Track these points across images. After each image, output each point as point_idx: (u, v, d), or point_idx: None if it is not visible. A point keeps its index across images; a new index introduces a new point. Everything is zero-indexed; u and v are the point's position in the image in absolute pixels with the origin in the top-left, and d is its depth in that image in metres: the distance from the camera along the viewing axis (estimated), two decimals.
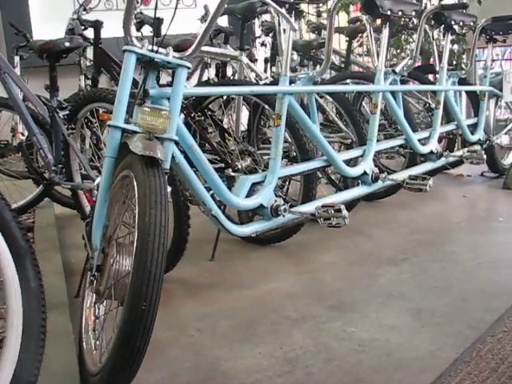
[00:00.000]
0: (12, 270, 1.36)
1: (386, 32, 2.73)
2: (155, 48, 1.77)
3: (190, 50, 1.83)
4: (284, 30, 2.24)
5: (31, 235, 2.88)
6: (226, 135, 2.85)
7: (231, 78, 3.98)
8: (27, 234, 1.40)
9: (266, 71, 4.18)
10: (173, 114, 1.78)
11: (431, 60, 3.63)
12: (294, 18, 2.28)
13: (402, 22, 4.13)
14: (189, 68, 1.81)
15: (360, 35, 3.81)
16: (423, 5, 3.94)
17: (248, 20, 2.92)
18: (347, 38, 3.73)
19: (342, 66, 3.79)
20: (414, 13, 2.77)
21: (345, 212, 2.19)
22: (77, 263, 2.61)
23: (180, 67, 1.79)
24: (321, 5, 4.19)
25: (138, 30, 3.22)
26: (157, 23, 3.36)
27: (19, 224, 1.39)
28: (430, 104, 3.77)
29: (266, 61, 4.29)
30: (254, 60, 4.92)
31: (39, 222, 3.10)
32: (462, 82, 3.57)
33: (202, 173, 2.01)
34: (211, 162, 2.84)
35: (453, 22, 3.17)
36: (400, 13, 2.71)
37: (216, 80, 3.72)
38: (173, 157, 1.84)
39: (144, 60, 1.77)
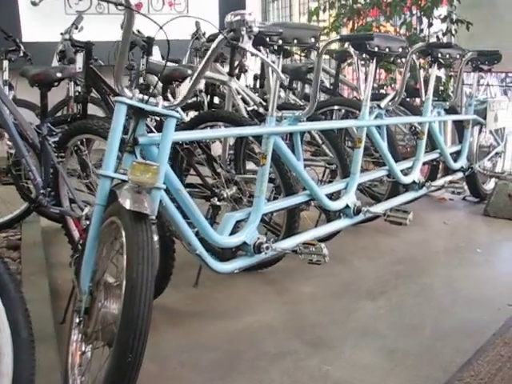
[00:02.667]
0: (4, 321, 1.46)
1: (372, 68, 2.84)
2: (146, 97, 1.87)
3: (178, 100, 1.93)
4: (272, 72, 2.33)
5: (18, 255, 2.96)
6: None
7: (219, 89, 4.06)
8: (20, 286, 1.50)
9: (255, 87, 4.26)
10: (161, 162, 1.88)
11: (417, 85, 3.74)
12: (282, 59, 2.38)
13: None
14: (178, 118, 1.91)
15: (349, 58, 3.91)
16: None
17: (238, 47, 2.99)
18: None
19: (330, 87, 3.89)
20: (400, 49, 2.87)
21: (325, 250, 2.31)
22: (63, 285, 2.69)
23: (169, 117, 1.89)
24: None
25: (129, 50, 3.29)
26: (149, 43, 3.45)
27: (11, 276, 1.49)
28: (415, 127, 3.88)
29: (255, 78, 4.37)
30: (244, 71, 5.00)
31: (26, 240, 3.18)
32: (449, 109, 3.69)
33: (187, 214, 2.12)
34: (195, 186, 2.96)
35: (439, 55, 3.29)
36: (387, 49, 2.81)
37: (204, 95, 3.81)
38: (161, 201, 1.95)
39: (134, 108, 1.87)
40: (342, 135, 3.78)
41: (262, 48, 3.08)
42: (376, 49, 2.75)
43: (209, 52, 1.94)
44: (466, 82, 4.32)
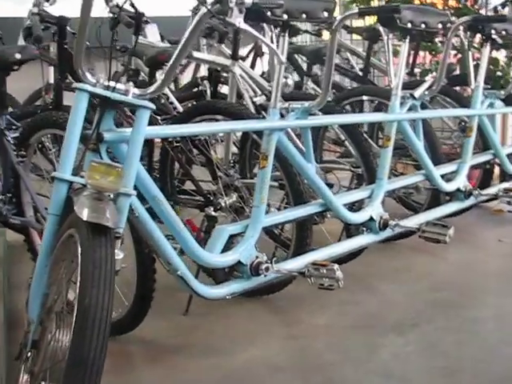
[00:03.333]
0: None
1: (404, 48, 2.79)
2: (112, 84, 1.85)
3: (152, 88, 1.91)
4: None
5: None
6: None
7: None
8: None
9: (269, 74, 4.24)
10: (131, 163, 1.86)
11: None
12: (287, 37, 2.34)
13: None
14: (151, 109, 1.89)
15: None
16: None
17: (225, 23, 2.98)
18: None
19: (360, 73, 3.85)
20: (440, 25, 2.82)
21: (338, 273, 2.26)
22: (24, 311, 2.69)
23: (141, 108, 1.87)
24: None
25: (112, 28, 3.28)
26: (137, 20, 3.44)
27: None
28: (466, 122, 3.81)
29: (269, 63, 4.35)
30: (261, 54, 4.99)
31: None
32: (506, 99, 3.61)
33: (167, 227, 2.09)
34: (189, 193, 2.94)
35: (493, 32, 3.21)
36: (423, 25, 2.75)
37: (207, 82, 3.81)
38: (133, 210, 1.93)
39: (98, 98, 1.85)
40: (374, 132, 3.73)
41: (265, 25, 3.09)
42: (409, 25, 2.70)
43: (190, 27, 1.92)
44: None
